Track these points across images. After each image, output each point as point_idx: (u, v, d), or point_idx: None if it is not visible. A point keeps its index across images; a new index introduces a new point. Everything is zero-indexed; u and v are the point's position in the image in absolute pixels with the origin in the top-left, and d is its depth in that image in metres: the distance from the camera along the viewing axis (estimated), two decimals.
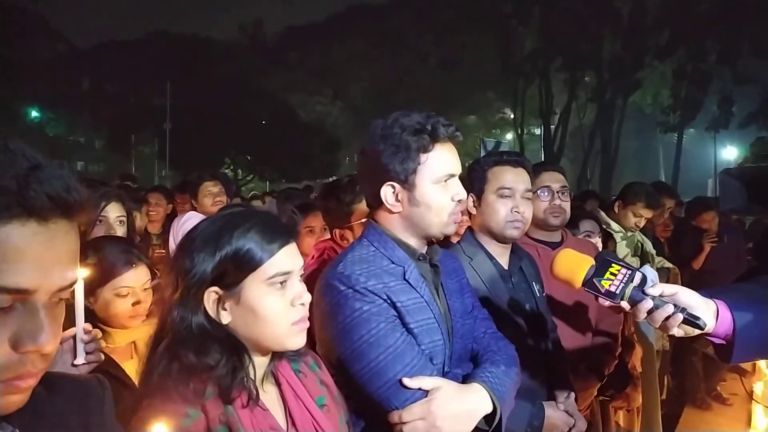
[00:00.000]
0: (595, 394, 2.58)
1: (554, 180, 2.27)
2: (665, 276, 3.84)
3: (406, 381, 1.27)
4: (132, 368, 1.58)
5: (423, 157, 1.36)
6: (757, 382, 4.35)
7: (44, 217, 0.61)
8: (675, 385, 4.55)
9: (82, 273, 1.29)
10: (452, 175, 1.40)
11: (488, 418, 1.32)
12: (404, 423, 1.25)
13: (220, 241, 1.03)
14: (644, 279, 1.19)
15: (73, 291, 1.27)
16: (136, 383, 1.47)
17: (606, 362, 2.35)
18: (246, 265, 1.03)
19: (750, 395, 4.30)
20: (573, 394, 1.73)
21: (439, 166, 1.38)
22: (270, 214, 1.16)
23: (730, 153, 29.77)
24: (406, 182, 1.37)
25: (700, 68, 22.26)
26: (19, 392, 0.63)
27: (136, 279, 1.64)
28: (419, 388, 1.27)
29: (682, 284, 3.90)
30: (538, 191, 2.19)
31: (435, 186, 1.38)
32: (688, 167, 26.25)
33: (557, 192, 2.25)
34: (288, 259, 1.06)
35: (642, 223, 3.42)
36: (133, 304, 1.62)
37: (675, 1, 21.52)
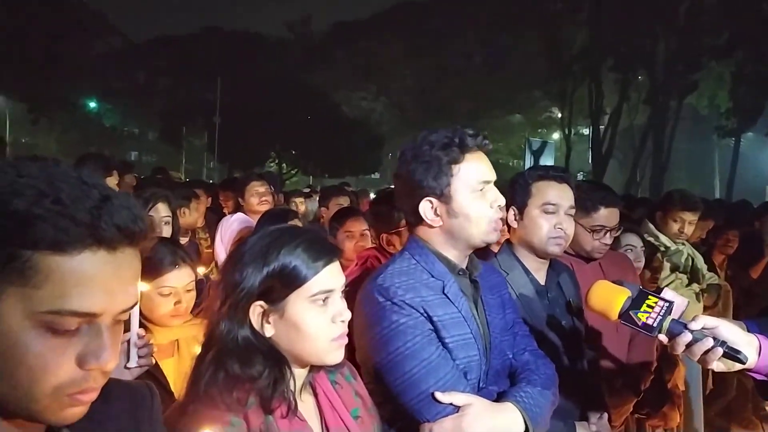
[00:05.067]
0: (631, 410, 2.54)
1: (612, 219, 2.18)
2: (715, 293, 3.70)
3: (439, 395, 1.30)
4: (172, 366, 1.65)
5: (455, 168, 1.39)
6: None
7: (113, 246, 0.66)
8: (720, 403, 4.40)
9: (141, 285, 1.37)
10: (487, 182, 1.42)
11: None
12: None
13: (269, 257, 1.07)
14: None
15: None
16: (175, 382, 1.54)
17: (643, 378, 2.31)
18: (292, 281, 1.07)
19: None
20: (606, 415, 1.71)
21: (473, 175, 1.41)
22: (316, 232, 1.20)
23: None
24: (443, 195, 1.40)
25: (760, 71, 21.16)
26: (81, 405, 0.69)
27: (179, 279, 1.70)
28: (451, 403, 1.29)
29: (735, 296, 3.80)
30: (594, 227, 2.13)
31: (471, 195, 1.40)
32: (745, 172, 25.06)
33: (610, 231, 2.18)
34: (331, 277, 1.11)
35: (686, 229, 3.29)
36: (175, 304, 1.68)
37: (734, 0, 20.53)
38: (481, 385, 1.41)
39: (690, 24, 22.10)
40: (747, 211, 5.86)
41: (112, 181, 3.24)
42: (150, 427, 0.87)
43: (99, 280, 0.65)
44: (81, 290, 0.64)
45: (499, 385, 1.45)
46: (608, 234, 2.17)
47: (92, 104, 29.35)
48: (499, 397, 1.39)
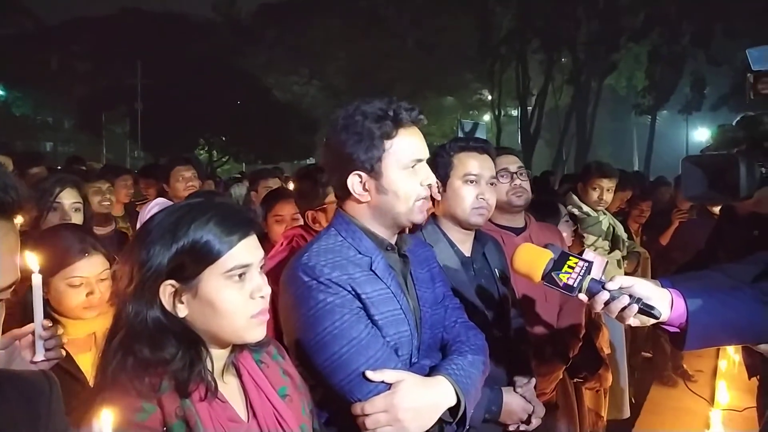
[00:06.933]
0: (568, 376, 2.63)
1: (510, 162, 2.28)
2: (636, 260, 3.92)
3: (369, 374, 1.27)
4: (90, 360, 1.55)
5: (387, 143, 1.34)
6: (722, 360, 4.53)
7: None
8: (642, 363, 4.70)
9: (38, 266, 1.26)
10: (419, 160, 1.39)
11: (452, 410, 1.33)
12: (366, 415, 1.25)
13: (178, 233, 1.01)
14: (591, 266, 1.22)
15: (31, 285, 1.24)
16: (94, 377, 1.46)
17: (571, 345, 2.39)
18: (204, 257, 1.01)
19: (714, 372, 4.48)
20: (533, 380, 1.75)
21: (406, 152, 1.36)
22: (230, 205, 1.14)
23: (701, 135, 30.30)
24: (373, 170, 1.35)
25: (674, 50, 22.47)
26: None
27: (90, 269, 1.59)
28: (382, 381, 1.27)
29: (652, 261, 4.02)
30: (498, 175, 2.20)
31: (402, 172, 1.36)
32: (661, 149, 26.68)
33: (515, 173, 2.26)
34: (247, 252, 1.05)
35: (605, 196, 3.49)
36: (87, 295, 1.58)
37: None
38: (413, 360, 1.41)
39: (609, 6, 23.07)
40: (663, 186, 6.26)
41: None
42: (48, 418, 0.80)
43: None
44: None
45: (432, 358, 1.44)
46: (515, 177, 2.25)
47: (0, 92, 27.26)
48: (430, 371, 1.38)
